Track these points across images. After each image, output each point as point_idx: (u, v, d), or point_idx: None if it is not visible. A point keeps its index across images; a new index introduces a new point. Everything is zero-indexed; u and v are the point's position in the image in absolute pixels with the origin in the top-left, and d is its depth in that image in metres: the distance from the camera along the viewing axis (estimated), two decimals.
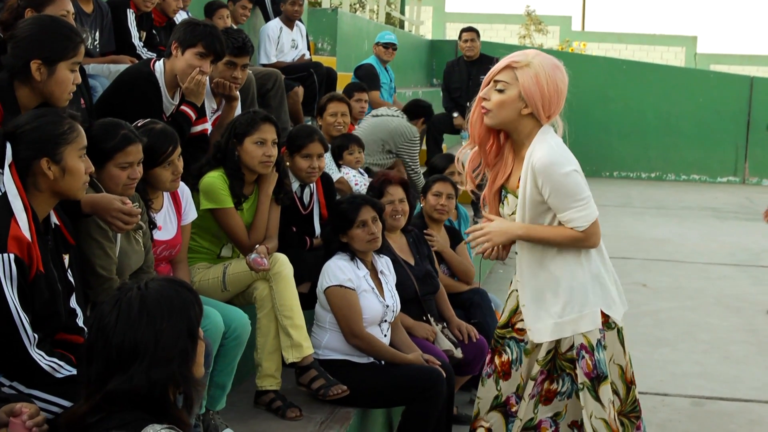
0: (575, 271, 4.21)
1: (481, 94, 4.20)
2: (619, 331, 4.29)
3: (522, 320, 4.37)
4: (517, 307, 4.40)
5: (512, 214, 4.28)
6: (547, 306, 4.27)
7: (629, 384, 4.37)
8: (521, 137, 4.20)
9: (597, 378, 4.24)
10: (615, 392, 4.29)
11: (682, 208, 16.54)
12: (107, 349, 2.68)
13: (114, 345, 2.68)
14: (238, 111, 6.29)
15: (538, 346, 4.33)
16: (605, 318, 4.23)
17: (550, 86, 4.10)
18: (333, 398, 5.11)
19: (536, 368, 4.32)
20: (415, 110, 9.26)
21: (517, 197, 4.22)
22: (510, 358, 4.44)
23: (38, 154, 3.51)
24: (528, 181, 4.12)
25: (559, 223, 4.16)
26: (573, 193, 4.07)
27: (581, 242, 4.13)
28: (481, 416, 4.52)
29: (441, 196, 6.63)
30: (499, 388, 4.47)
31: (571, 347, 4.25)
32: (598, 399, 4.24)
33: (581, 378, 4.23)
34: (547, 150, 4.07)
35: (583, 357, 4.25)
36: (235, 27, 8.61)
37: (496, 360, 4.49)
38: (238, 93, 6.32)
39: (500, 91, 4.13)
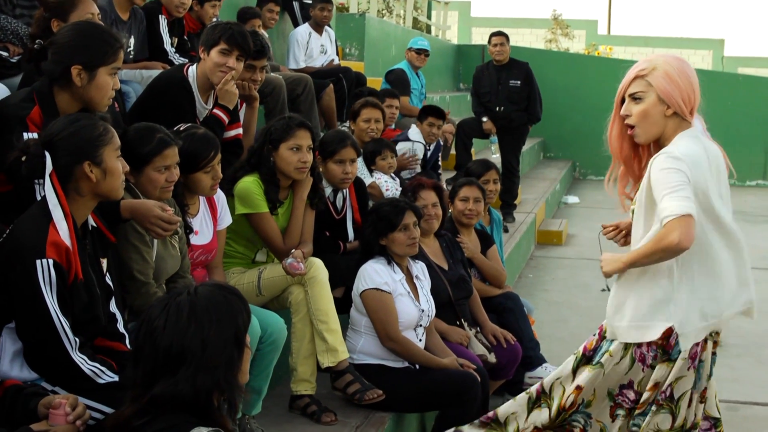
0: (661, 281, 4.11)
1: (621, 112, 4.19)
2: (672, 360, 4.12)
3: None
4: None
5: (633, 204, 4.25)
6: (625, 309, 4.21)
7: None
8: (664, 141, 4.15)
9: (587, 358, 4.34)
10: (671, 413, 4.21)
11: None
12: (154, 353, 2.69)
13: (161, 349, 2.69)
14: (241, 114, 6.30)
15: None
16: (664, 339, 4.12)
17: (683, 79, 4.08)
18: (368, 403, 5.10)
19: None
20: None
21: None
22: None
23: (80, 158, 3.53)
24: (645, 178, 4.09)
25: None
26: (672, 185, 3.91)
27: (664, 240, 3.88)
28: None
29: (468, 200, 6.62)
30: None
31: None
32: (573, 371, 4.38)
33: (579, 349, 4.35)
34: (670, 150, 4.02)
35: (594, 335, 4.36)
36: (263, 31, 8.67)
37: None
38: (257, 94, 6.33)
39: (638, 101, 4.12)
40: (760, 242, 13.36)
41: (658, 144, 4.18)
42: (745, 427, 6.48)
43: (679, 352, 4.09)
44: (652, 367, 4.16)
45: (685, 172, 3.93)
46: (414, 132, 8.90)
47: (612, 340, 4.27)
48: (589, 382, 4.34)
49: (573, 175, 20.46)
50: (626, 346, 4.21)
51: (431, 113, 8.96)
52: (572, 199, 17.10)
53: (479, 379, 5.34)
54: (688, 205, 3.88)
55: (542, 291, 10.26)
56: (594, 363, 4.33)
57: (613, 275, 4.29)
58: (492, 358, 5.94)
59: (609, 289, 4.47)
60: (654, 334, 4.11)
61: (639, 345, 4.17)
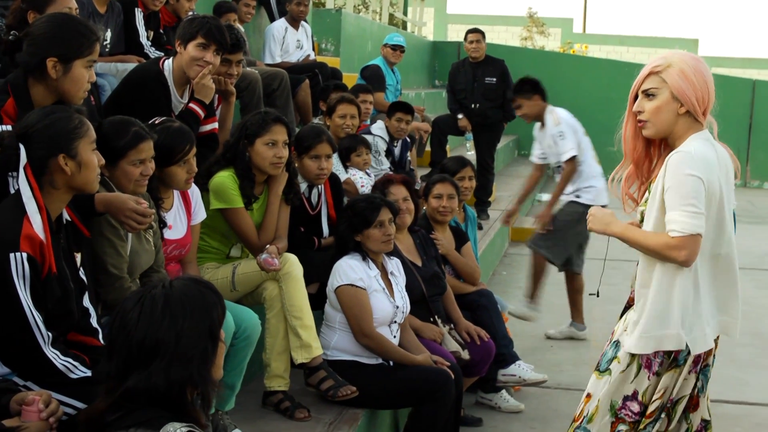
0: (676, 289, 4.02)
1: (634, 108, 4.12)
2: (678, 366, 4.07)
3: None
4: None
5: (643, 206, 4.17)
6: (641, 318, 4.09)
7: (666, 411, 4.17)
8: (674, 140, 4.09)
9: (597, 365, 4.24)
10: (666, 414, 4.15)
11: None
12: (128, 346, 2.68)
13: (135, 342, 2.67)
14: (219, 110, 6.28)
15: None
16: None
17: (698, 78, 4.03)
18: (342, 399, 5.11)
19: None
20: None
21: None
22: None
23: (54, 151, 3.50)
24: (659, 179, 4.02)
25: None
26: (686, 196, 3.88)
27: (672, 251, 3.89)
28: None
29: (442, 197, 6.62)
30: None
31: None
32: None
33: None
34: (686, 150, 3.96)
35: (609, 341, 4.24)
36: (238, 26, 8.63)
37: None
38: (233, 88, 6.31)
39: (652, 97, 4.06)
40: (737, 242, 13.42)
41: (668, 144, 4.13)
42: (717, 426, 6.41)
43: (686, 357, 4.04)
44: (658, 375, 4.08)
45: (701, 178, 3.90)
46: (377, 127, 8.87)
47: (618, 345, 4.18)
48: (596, 389, 4.22)
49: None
50: (633, 353, 4.11)
51: (399, 109, 8.95)
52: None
53: (453, 376, 5.34)
54: (699, 223, 3.87)
55: (516, 288, 10.28)
56: (602, 370, 4.22)
57: (595, 232, 4.23)
58: (465, 354, 5.95)
59: (598, 295, 4.45)
60: (669, 343, 4.01)
61: None
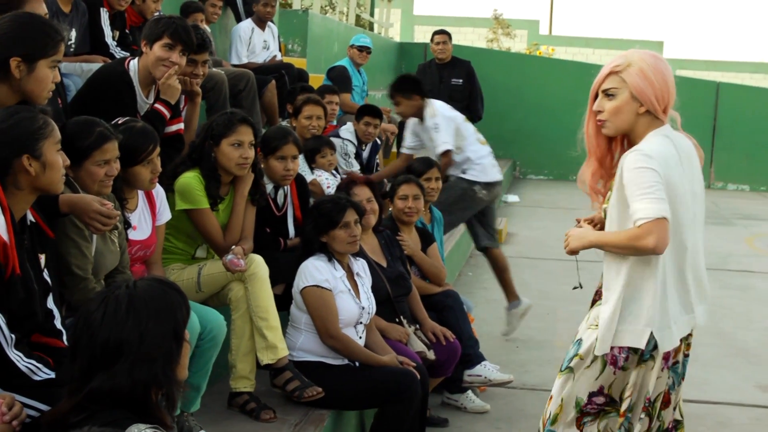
0: (643, 285, 4.03)
1: (594, 107, 4.13)
2: (644, 361, 4.06)
3: None
4: None
5: (606, 203, 4.18)
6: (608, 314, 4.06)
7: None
8: (635, 138, 4.10)
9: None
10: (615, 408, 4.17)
11: None
12: (92, 347, 2.67)
13: (99, 342, 2.66)
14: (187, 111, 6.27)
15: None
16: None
17: (657, 77, 4.03)
18: (308, 400, 5.11)
19: None
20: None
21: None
22: None
23: (19, 152, 3.47)
24: (617, 177, 4.04)
25: None
26: (645, 186, 3.88)
27: (640, 240, 3.87)
28: None
29: (407, 198, 6.63)
30: None
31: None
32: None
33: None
34: (640, 148, 3.97)
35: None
36: (205, 26, 8.62)
37: None
38: (199, 89, 6.30)
39: (612, 97, 4.07)
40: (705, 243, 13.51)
41: (630, 141, 4.15)
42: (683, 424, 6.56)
43: (651, 352, 4.03)
44: (624, 369, 4.08)
45: (657, 170, 3.91)
46: (346, 129, 8.87)
47: (580, 342, 4.17)
48: (558, 389, 4.21)
49: (513, 174, 20.60)
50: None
51: (367, 113, 8.94)
52: (512, 198, 17.21)
53: (419, 376, 5.35)
54: (663, 207, 3.87)
55: (482, 289, 10.32)
56: (563, 368, 4.21)
57: (578, 252, 4.23)
58: (431, 355, 5.96)
59: (581, 287, 4.46)
60: (636, 339, 4.01)
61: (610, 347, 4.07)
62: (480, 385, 6.72)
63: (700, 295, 4.21)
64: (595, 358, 4.11)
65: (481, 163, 8.42)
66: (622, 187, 3.99)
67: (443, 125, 8.30)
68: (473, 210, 8.42)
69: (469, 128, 8.54)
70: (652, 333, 4.00)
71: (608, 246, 4.07)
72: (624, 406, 4.12)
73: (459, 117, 8.52)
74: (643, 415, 4.14)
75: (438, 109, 8.39)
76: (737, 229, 15.62)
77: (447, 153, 8.30)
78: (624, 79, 4.05)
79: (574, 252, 4.26)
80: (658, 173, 3.91)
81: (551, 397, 4.26)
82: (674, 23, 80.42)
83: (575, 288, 4.51)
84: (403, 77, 8.64)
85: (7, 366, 3.39)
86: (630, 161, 3.96)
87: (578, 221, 4.40)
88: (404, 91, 8.39)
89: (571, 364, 4.18)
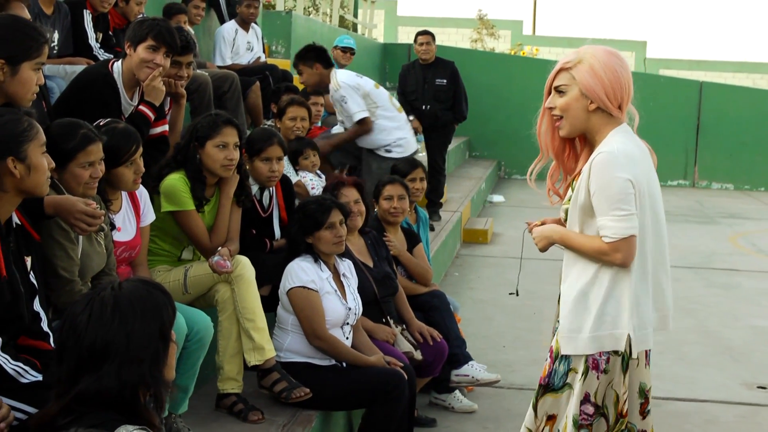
0: (614, 287, 3.98)
1: (546, 104, 4.10)
2: (624, 359, 4.02)
3: None
4: None
5: (566, 204, 4.13)
6: (582, 318, 4.04)
7: (619, 415, 4.09)
8: (593, 135, 4.05)
9: (545, 387, 4.13)
10: (604, 416, 4.08)
11: None
12: (78, 349, 2.66)
13: (85, 344, 2.65)
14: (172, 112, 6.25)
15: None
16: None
17: (608, 74, 3.96)
18: (295, 401, 5.10)
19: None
20: None
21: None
22: None
23: (3, 154, 3.46)
24: (582, 181, 3.98)
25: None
26: (615, 200, 3.86)
27: (606, 256, 3.89)
28: None
29: (393, 199, 6.62)
30: None
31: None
32: (534, 407, 4.13)
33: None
34: (609, 150, 3.92)
35: (546, 360, 4.16)
36: (188, 28, 8.60)
37: None
38: (184, 90, 6.28)
39: (562, 94, 4.03)
40: (681, 241, 13.59)
41: (587, 139, 4.11)
42: (668, 422, 6.59)
43: (630, 352, 4.00)
44: (606, 372, 4.03)
45: (629, 179, 3.87)
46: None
47: (568, 357, 4.09)
48: (562, 408, 4.12)
49: (498, 174, 20.64)
50: (584, 358, 4.04)
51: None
52: (497, 198, 17.24)
53: (406, 376, 5.35)
54: (629, 225, 3.86)
55: (468, 289, 10.33)
56: (557, 387, 4.12)
57: (547, 250, 4.21)
58: (418, 355, 5.97)
59: (518, 294, 4.43)
60: (617, 343, 3.98)
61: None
62: (467, 384, 6.72)
63: (666, 292, 4.16)
64: (584, 366, 4.04)
65: (404, 136, 8.51)
66: (588, 193, 3.95)
67: (349, 95, 8.33)
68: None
69: (382, 94, 8.59)
70: (629, 335, 3.98)
71: (572, 247, 4.05)
72: (624, 407, 4.09)
73: (368, 83, 8.54)
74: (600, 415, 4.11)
75: (341, 80, 8.39)
76: (721, 227, 15.67)
77: (364, 120, 8.36)
78: (574, 76, 4.01)
79: (544, 251, 4.25)
80: (630, 182, 3.88)
81: (553, 417, 4.16)
82: (657, 23, 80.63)
83: (511, 294, 4.48)
84: (308, 46, 8.63)
85: None
86: (600, 165, 3.91)
87: (529, 225, 4.34)
88: (306, 59, 8.40)
89: (568, 380, 4.10)
